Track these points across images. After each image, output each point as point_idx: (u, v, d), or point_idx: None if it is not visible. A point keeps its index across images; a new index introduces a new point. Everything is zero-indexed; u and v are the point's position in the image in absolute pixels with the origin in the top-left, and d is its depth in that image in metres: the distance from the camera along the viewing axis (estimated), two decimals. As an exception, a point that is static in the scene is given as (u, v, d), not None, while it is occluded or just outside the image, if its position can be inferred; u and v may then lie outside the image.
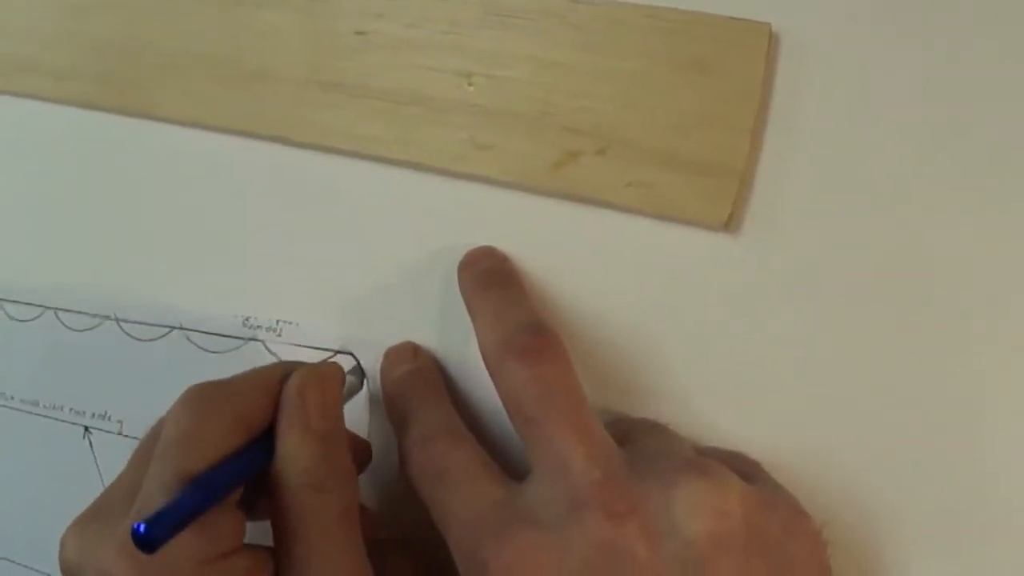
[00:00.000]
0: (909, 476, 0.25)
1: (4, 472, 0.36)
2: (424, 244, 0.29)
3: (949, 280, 0.25)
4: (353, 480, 0.25)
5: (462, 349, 0.29)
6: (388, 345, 0.29)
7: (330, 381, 0.26)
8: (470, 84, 0.28)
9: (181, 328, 0.32)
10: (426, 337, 0.29)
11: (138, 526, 0.20)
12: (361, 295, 0.30)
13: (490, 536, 0.22)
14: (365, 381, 0.30)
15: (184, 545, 0.21)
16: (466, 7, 0.28)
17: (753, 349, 0.26)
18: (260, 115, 0.30)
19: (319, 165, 0.30)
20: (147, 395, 0.27)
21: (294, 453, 0.24)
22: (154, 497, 0.22)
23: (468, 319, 0.26)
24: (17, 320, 0.35)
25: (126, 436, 0.33)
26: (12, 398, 0.35)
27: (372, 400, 0.30)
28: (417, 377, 0.28)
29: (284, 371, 0.25)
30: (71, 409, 0.34)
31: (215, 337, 0.32)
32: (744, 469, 0.24)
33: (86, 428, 0.34)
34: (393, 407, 0.28)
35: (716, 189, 0.25)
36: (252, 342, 0.31)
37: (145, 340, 0.33)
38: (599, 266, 0.27)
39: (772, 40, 0.25)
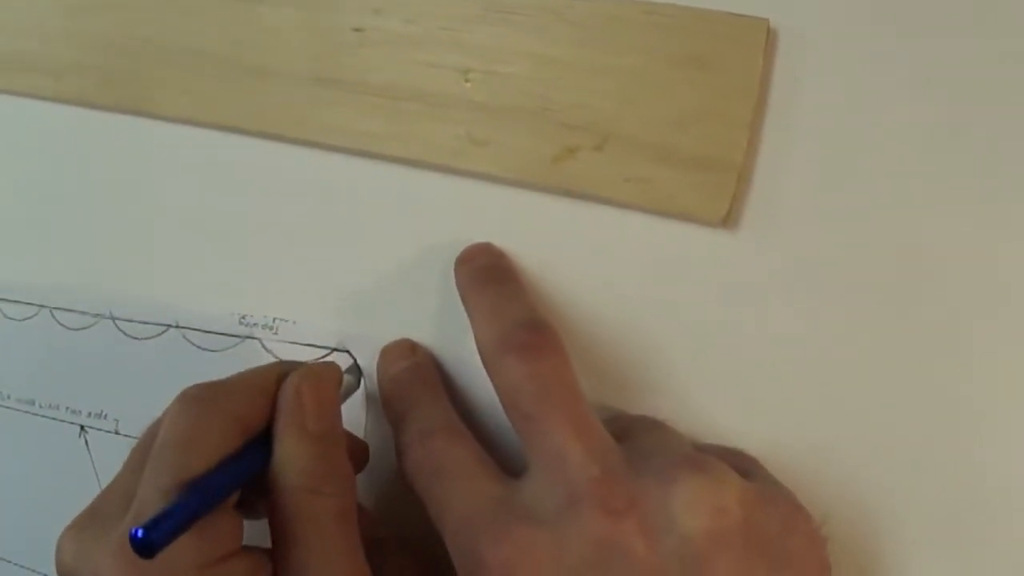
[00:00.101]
0: (908, 472, 0.25)
1: (0, 471, 0.36)
2: (421, 240, 0.29)
3: (948, 275, 0.25)
4: (351, 481, 0.25)
5: (459, 346, 0.29)
6: (385, 342, 0.29)
7: (327, 382, 0.26)
8: (468, 80, 0.28)
9: (177, 326, 0.32)
10: (423, 334, 0.29)
11: (136, 531, 0.20)
12: (358, 292, 0.30)
13: (487, 532, 0.22)
14: (362, 379, 0.30)
15: (182, 549, 0.21)
16: (464, 3, 0.28)
17: (751, 345, 0.26)
18: (259, 112, 0.30)
19: (317, 162, 0.30)
20: (143, 394, 0.27)
21: (291, 455, 0.24)
22: (151, 501, 0.22)
23: (465, 315, 0.26)
24: (13, 319, 0.35)
25: (122, 435, 0.33)
26: (8, 397, 0.35)
27: (369, 398, 0.30)
28: (414, 374, 0.28)
29: (281, 371, 0.25)
30: (67, 408, 0.34)
31: (211, 335, 0.32)
32: (742, 466, 0.24)
33: (82, 427, 0.34)
34: (390, 404, 0.27)
35: (714, 185, 0.25)
36: (249, 340, 0.31)
37: (141, 338, 0.33)
38: (597, 262, 0.27)
39: (770, 36, 0.25)
